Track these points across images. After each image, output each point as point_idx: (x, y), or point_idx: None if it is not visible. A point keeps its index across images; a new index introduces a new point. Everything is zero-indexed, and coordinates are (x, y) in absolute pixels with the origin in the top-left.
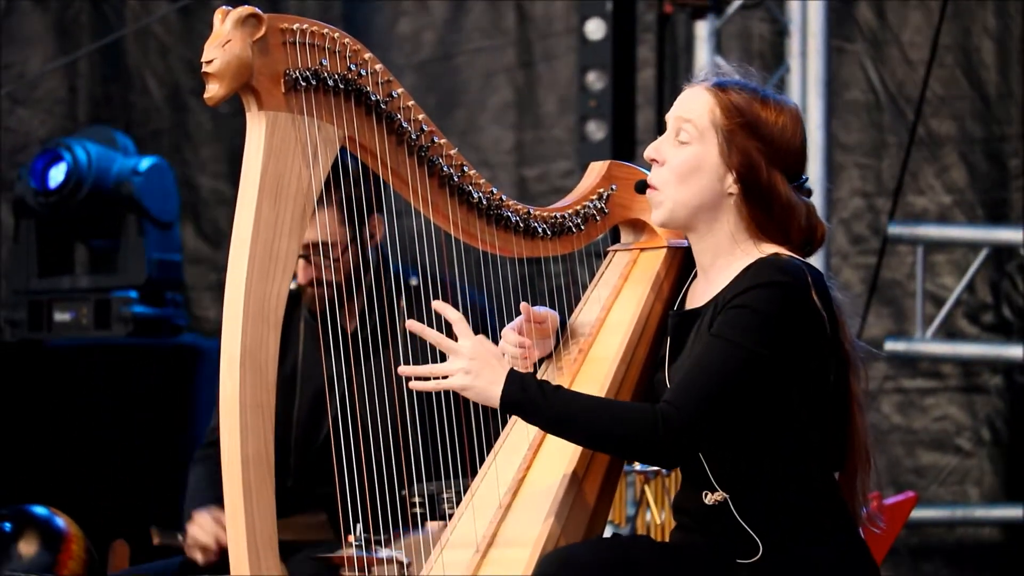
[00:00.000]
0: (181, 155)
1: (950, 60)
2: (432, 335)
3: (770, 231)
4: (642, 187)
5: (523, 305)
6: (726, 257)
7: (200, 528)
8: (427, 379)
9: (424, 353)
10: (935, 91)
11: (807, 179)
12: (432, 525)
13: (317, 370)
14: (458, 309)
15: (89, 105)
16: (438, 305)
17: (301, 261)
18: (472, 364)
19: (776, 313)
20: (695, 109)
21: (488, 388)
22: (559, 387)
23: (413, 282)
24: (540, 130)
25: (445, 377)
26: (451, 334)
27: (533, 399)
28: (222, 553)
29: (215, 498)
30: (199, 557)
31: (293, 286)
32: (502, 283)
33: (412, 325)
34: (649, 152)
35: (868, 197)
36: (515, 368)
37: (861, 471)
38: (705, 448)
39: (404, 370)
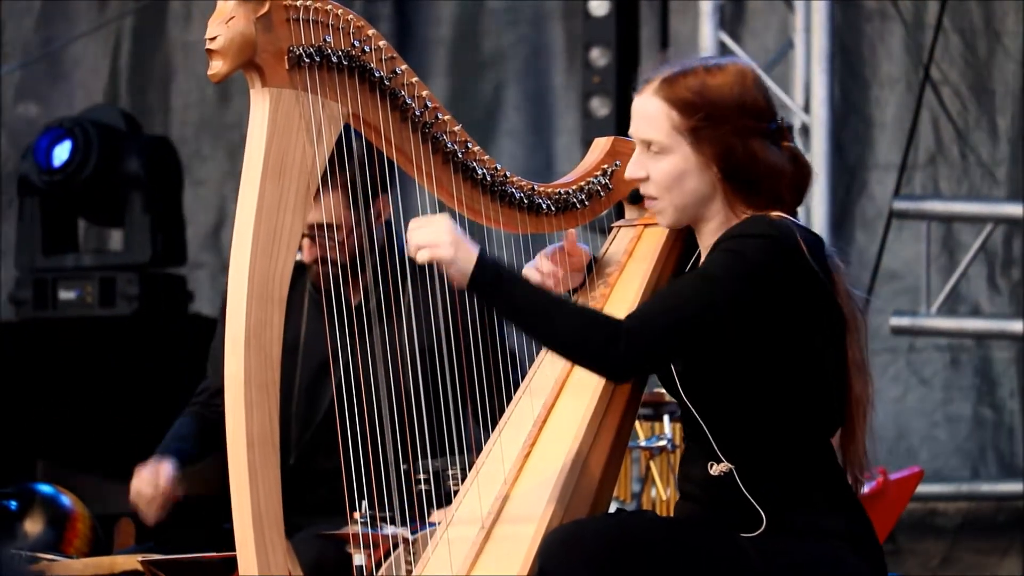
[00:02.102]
0: None
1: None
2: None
3: (763, 201)
4: (636, 197)
5: (570, 231)
6: (713, 225)
7: (140, 480)
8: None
9: (428, 328)
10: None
11: (780, 119)
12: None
13: (320, 343)
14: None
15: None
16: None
17: (306, 239)
18: (455, 237)
19: (761, 262)
20: (653, 124)
21: (464, 263)
22: (527, 280)
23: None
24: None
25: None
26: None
27: (503, 279)
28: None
29: (175, 451)
30: (144, 509)
31: (297, 258)
32: (506, 260)
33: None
34: (631, 173)
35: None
36: None
37: (859, 431)
38: (655, 369)
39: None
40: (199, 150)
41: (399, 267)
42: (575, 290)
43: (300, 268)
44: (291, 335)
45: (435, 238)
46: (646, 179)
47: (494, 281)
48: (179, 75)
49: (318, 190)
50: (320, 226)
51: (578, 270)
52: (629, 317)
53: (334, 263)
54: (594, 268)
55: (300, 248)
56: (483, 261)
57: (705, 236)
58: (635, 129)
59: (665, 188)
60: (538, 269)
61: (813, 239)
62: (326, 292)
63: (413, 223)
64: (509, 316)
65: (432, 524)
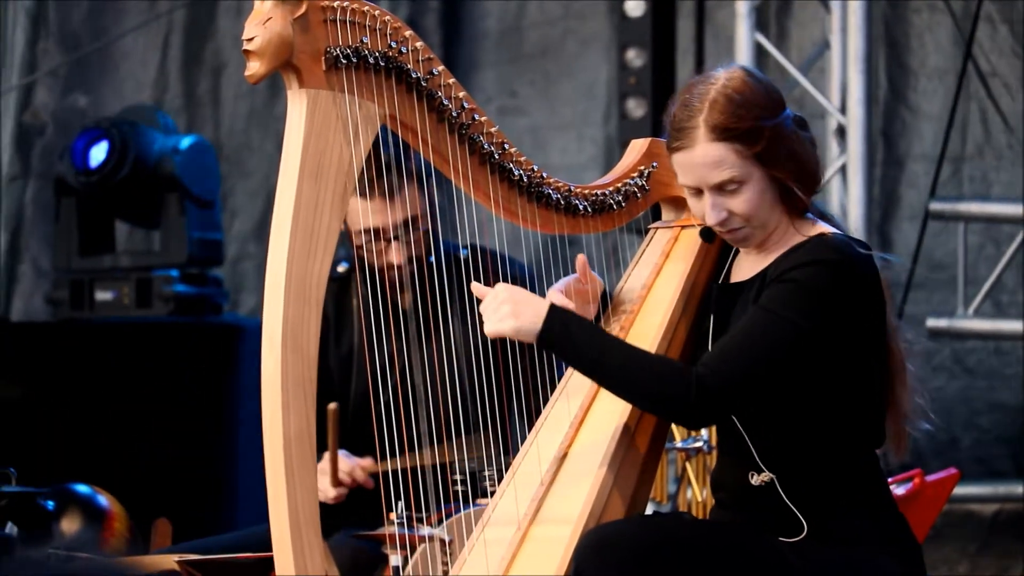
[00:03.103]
0: None
1: None
2: (476, 287)
3: (803, 190)
4: (709, 235)
5: (580, 256)
6: (777, 235)
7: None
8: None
9: (467, 329)
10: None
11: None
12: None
13: (371, 349)
14: (509, 281)
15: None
16: (475, 287)
17: (393, 244)
18: (515, 305)
19: (824, 289)
20: (723, 166)
21: (529, 322)
22: (600, 329)
23: (463, 255)
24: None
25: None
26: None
27: (572, 335)
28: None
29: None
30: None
31: (342, 270)
32: (542, 261)
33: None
34: (714, 220)
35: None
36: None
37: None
38: (733, 413)
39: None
40: (248, 142)
41: (442, 267)
42: (596, 318)
43: (346, 281)
44: (345, 345)
45: (495, 312)
46: (729, 217)
47: (562, 340)
48: (229, 67)
49: (394, 188)
50: (406, 222)
51: (586, 302)
52: (702, 364)
53: (416, 260)
54: (609, 305)
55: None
56: (550, 321)
57: (761, 243)
58: (700, 178)
59: (753, 214)
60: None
61: (866, 250)
62: (384, 297)
63: (479, 295)
64: (583, 371)
65: (477, 505)
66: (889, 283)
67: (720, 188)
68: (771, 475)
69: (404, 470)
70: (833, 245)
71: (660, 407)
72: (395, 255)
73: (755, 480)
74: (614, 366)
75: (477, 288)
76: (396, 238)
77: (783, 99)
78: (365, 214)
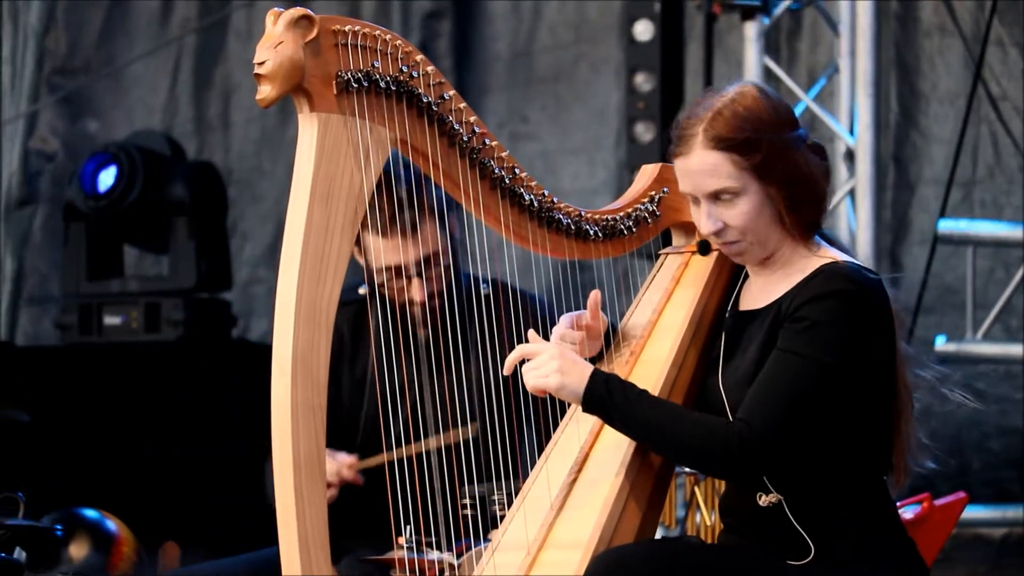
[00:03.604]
0: None
1: None
2: (517, 349)
3: (805, 214)
4: (705, 248)
5: (594, 292)
6: (784, 261)
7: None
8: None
9: (496, 362)
10: None
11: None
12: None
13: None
14: (529, 317)
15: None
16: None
17: (414, 281)
18: (562, 363)
19: (842, 322)
20: (718, 174)
21: (575, 383)
22: (643, 391)
23: (484, 290)
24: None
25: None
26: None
27: (615, 399)
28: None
29: None
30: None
31: (362, 291)
32: (552, 286)
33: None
34: (708, 229)
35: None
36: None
37: (904, 425)
38: (778, 464)
39: (509, 365)
40: (259, 165)
41: (464, 299)
42: (599, 355)
43: (365, 303)
44: (360, 368)
45: (540, 367)
46: (724, 229)
47: (605, 403)
48: (240, 91)
49: (412, 226)
50: (427, 259)
51: (595, 338)
52: (739, 419)
53: (440, 295)
54: (619, 330)
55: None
56: (593, 384)
57: (764, 263)
58: (695, 186)
59: (747, 228)
60: (561, 337)
61: (875, 282)
62: (395, 327)
63: (520, 352)
64: (624, 432)
65: (487, 540)
66: (903, 309)
67: (716, 197)
68: (779, 496)
69: (413, 495)
70: (845, 275)
71: (704, 465)
72: (416, 292)
73: (763, 501)
74: (656, 428)
75: (531, 336)
76: (417, 275)
77: (794, 119)
78: (384, 252)
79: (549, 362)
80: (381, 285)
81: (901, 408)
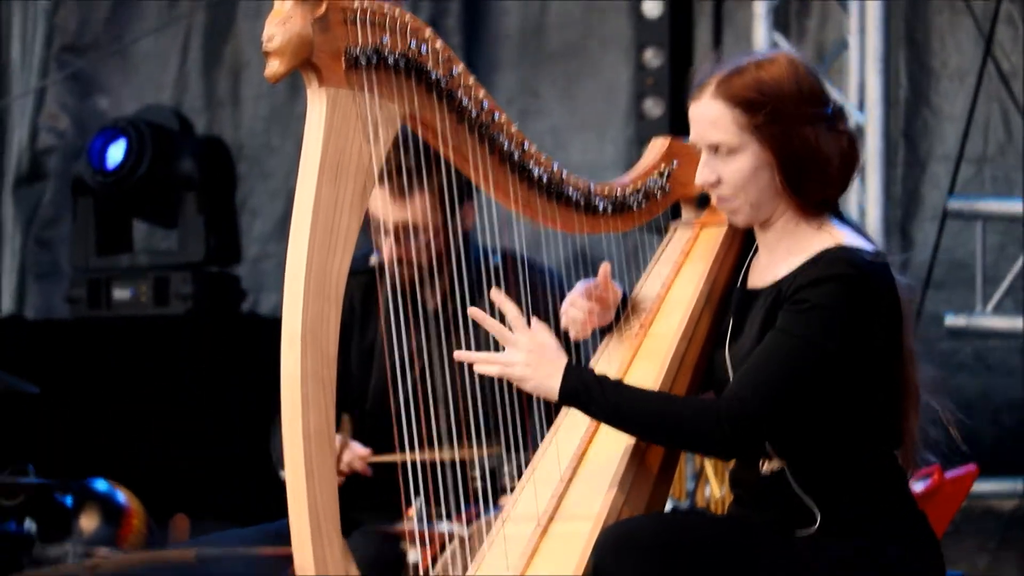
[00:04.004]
0: None
1: None
2: (492, 324)
3: (811, 189)
4: (704, 201)
5: (604, 264)
6: (790, 236)
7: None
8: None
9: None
10: None
11: (831, 108)
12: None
13: (390, 345)
14: (539, 288)
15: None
16: (496, 295)
17: (388, 238)
18: (530, 357)
19: (841, 307)
20: (719, 126)
21: (546, 380)
22: (618, 382)
23: (494, 262)
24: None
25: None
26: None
27: (591, 393)
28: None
29: None
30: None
31: (374, 261)
32: (562, 261)
33: (474, 312)
34: (702, 179)
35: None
36: (573, 337)
37: (912, 416)
38: (769, 440)
39: (461, 355)
40: (268, 142)
41: (474, 271)
42: (607, 328)
43: (373, 274)
44: (368, 338)
45: (510, 358)
46: (718, 182)
47: (580, 397)
48: (249, 67)
49: (407, 189)
50: (406, 227)
51: (607, 308)
52: (727, 397)
53: (411, 264)
54: (629, 303)
55: (378, 249)
56: (567, 378)
57: (769, 237)
58: (699, 134)
59: (740, 188)
60: (573, 305)
61: (880, 258)
62: (403, 295)
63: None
64: (606, 422)
65: (498, 508)
66: (910, 300)
67: (715, 150)
68: (781, 462)
69: (423, 465)
70: (847, 259)
71: (693, 446)
72: (385, 250)
73: (765, 468)
74: (638, 418)
75: (499, 299)
76: (393, 235)
77: (821, 98)
78: (374, 199)
79: (518, 355)
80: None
81: (908, 395)
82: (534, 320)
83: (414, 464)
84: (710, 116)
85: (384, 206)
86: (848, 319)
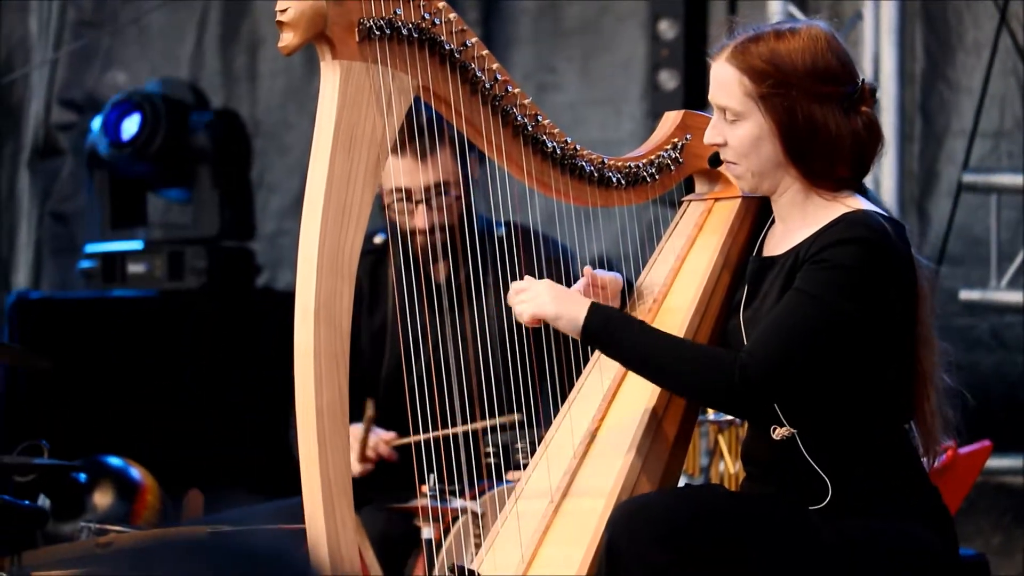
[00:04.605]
0: None
1: None
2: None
3: (816, 170)
4: (716, 161)
5: (586, 269)
6: (802, 207)
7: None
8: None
9: (501, 302)
10: None
11: (862, 81)
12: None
13: (406, 324)
14: (547, 259)
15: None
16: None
17: (420, 206)
18: (556, 292)
19: (859, 268)
20: (727, 90)
21: (572, 314)
22: (642, 323)
23: (500, 233)
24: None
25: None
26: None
27: (614, 330)
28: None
29: None
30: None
31: (378, 241)
32: (576, 237)
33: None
34: (709, 138)
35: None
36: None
37: (926, 404)
38: (780, 400)
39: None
40: (285, 118)
41: (478, 242)
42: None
43: (382, 253)
44: (378, 318)
45: (536, 298)
46: (724, 144)
47: (603, 333)
48: (267, 43)
49: (429, 148)
50: (437, 186)
51: (612, 299)
52: (744, 352)
53: (443, 228)
54: (642, 276)
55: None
56: (592, 313)
57: (781, 207)
58: (712, 95)
59: (742, 154)
60: None
61: (898, 227)
62: (416, 268)
63: (513, 288)
64: (625, 364)
65: (509, 482)
66: (930, 290)
67: (723, 112)
68: (792, 430)
69: (436, 442)
70: (865, 223)
71: (706, 396)
72: (422, 219)
73: (776, 435)
74: (657, 359)
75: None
76: (425, 201)
77: (837, 76)
78: (397, 173)
79: (541, 294)
80: (389, 207)
81: (922, 383)
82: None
83: (433, 441)
84: (721, 78)
85: (410, 175)
86: (866, 282)
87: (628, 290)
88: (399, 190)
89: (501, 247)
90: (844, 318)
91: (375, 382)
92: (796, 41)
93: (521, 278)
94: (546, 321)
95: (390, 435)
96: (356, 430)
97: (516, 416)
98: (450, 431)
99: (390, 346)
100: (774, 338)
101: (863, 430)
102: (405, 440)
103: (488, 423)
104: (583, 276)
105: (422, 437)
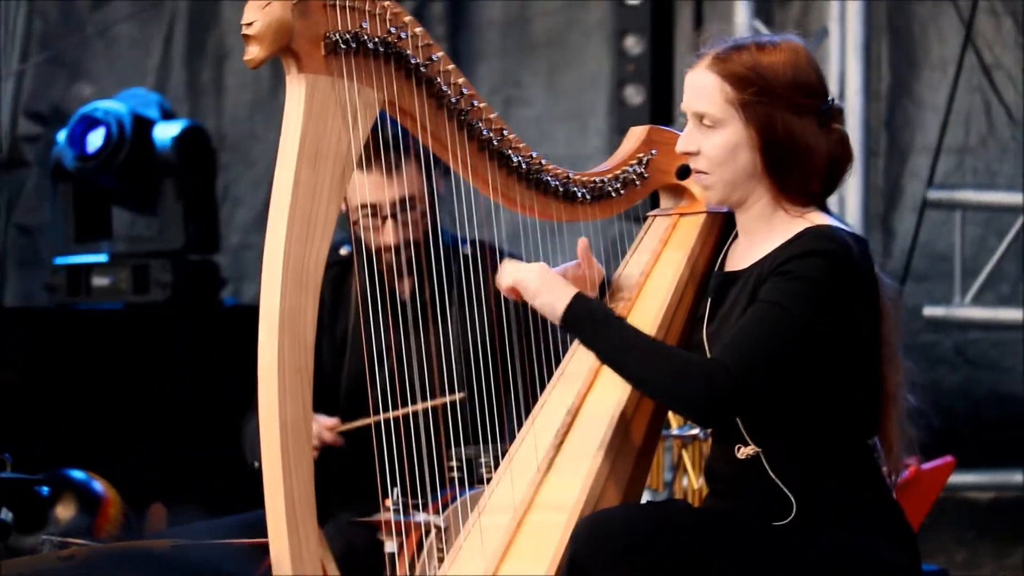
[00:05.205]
0: None
1: None
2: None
3: (791, 182)
4: (684, 172)
5: (581, 240)
6: (768, 223)
7: None
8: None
9: (477, 323)
10: None
11: (831, 101)
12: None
13: (369, 338)
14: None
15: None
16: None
17: (388, 221)
18: (543, 275)
19: (824, 281)
20: (707, 97)
21: (554, 299)
22: (623, 320)
23: (465, 250)
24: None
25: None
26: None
27: (596, 321)
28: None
29: None
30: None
31: (344, 253)
32: (541, 252)
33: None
34: (682, 146)
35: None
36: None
37: (890, 425)
38: (746, 410)
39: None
40: (252, 131)
41: (442, 259)
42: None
43: (347, 265)
44: (340, 329)
45: (522, 270)
46: (697, 153)
47: (584, 322)
48: (233, 55)
49: (393, 164)
50: (403, 201)
51: (589, 288)
52: (711, 361)
53: (409, 244)
54: (607, 293)
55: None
56: (576, 301)
57: (747, 221)
58: (688, 102)
59: (717, 162)
60: None
61: (861, 244)
62: (381, 284)
63: (507, 263)
64: (600, 357)
65: (474, 488)
66: (895, 309)
67: (699, 119)
68: (756, 448)
69: (399, 455)
70: (830, 236)
71: (678, 401)
72: (389, 235)
73: (740, 453)
74: (631, 356)
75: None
76: (391, 216)
77: (814, 91)
78: (363, 189)
79: (532, 268)
80: (356, 223)
81: (886, 402)
82: None
83: (391, 456)
84: (700, 85)
85: (377, 190)
86: (831, 294)
87: (600, 292)
88: (365, 206)
89: (466, 264)
90: (810, 329)
91: (336, 394)
92: (778, 53)
93: (487, 295)
94: (524, 295)
95: (332, 421)
96: None
97: (460, 395)
98: (389, 415)
99: (350, 358)
100: (741, 348)
101: (827, 447)
102: (348, 426)
103: (430, 404)
104: (579, 247)
105: (368, 421)
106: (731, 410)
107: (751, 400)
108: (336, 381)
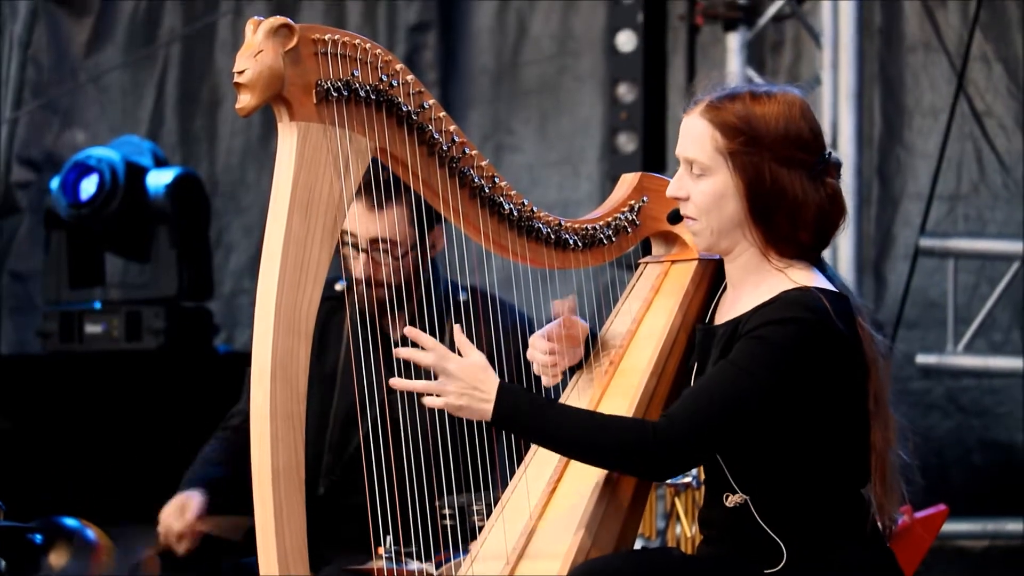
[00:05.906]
0: None
1: None
2: (426, 340)
3: (776, 235)
4: (676, 217)
5: (556, 303)
6: (755, 275)
7: (168, 512)
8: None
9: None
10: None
11: (829, 155)
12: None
13: (357, 375)
14: (505, 325)
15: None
16: (410, 332)
17: (361, 255)
18: (462, 383)
19: (792, 348)
20: (697, 144)
21: (479, 405)
22: (551, 401)
23: (462, 298)
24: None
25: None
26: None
27: (523, 415)
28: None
29: (205, 476)
30: (172, 542)
31: (339, 288)
32: (533, 299)
33: (410, 331)
34: (672, 191)
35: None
36: (544, 377)
37: (877, 479)
38: (695, 464)
39: (396, 383)
40: (244, 178)
41: (443, 304)
42: (578, 366)
43: (340, 300)
44: (328, 365)
45: (445, 386)
46: (686, 199)
47: (512, 422)
48: (225, 103)
49: (383, 201)
50: (383, 240)
51: (575, 345)
52: (663, 418)
53: (381, 285)
54: (598, 340)
55: (347, 272)
56: (500, 401)
57: (734, 271)
58: (680, 148)
59: (704, 210)
60: (535, 348)
61: (841, 302)
62: (365, 322)
63: (441, 367)
64: (542, 445)
65: (467, 551)
66: (884, 367)
67: (689, 165)
68: (744, 496)
69: (392, 501)
70: (803, 302)
71: (623, 464)
72: (359, 267)
73: (729, 502)
74: (569, 438)
75: (412, 333)
76: (364, 251)
77: (810, 145)
78: (351, 216)
79: (453, 383)
80: (344, 244)
81: (874, 462)
82: (467, 344)
83: (383, 504)
84: (692, 131)
85: (358, 220)
86: (798, 361)
87: (593, 340)
88: (345, 232)
89: (464, 313)
90: (773, 392)
91: (323, 429)
92: (772, 105)
93: (481, 344)
94: (449, 411)
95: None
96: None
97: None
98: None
99: (339, 395)
100: (694, 404)
101: (816, 496)
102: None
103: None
104: (560, 315)
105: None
106: (678, 465)
107: (696, 455)
108: (325, 415)
